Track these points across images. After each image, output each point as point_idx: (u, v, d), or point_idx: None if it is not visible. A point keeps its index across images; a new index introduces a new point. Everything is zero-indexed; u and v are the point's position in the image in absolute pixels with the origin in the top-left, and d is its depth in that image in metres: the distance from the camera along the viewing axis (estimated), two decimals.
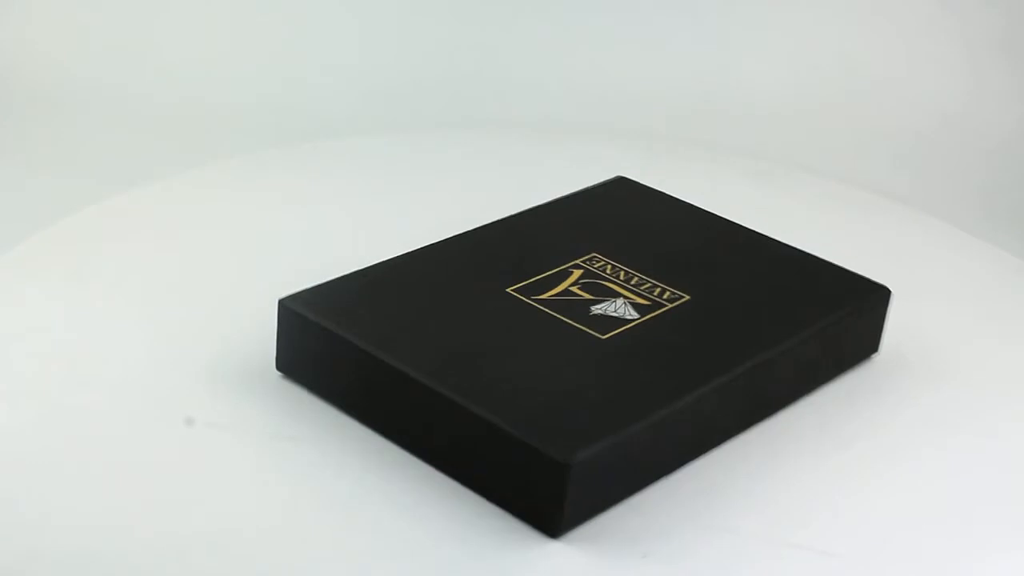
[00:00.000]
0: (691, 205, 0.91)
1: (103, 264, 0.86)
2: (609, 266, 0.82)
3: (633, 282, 0.81)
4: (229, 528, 0.66)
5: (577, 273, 0.81)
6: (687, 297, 0.80)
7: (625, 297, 0.79)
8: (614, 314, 0.78)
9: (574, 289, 0.80)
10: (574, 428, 0.68)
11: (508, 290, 0.78)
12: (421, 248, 0.82)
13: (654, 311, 0.78)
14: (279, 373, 0.76)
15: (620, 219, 0.88)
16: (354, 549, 0.65)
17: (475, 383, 0.70)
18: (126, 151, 1.10)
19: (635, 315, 0.78)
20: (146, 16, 1.24)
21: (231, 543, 0.65)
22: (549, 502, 0.67)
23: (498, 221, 0.87)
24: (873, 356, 0.84)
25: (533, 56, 1.32)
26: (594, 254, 0.83)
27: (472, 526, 0.67)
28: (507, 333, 0.75)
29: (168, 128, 1.15)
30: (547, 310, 0.77)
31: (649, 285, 0.80)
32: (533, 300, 0.78)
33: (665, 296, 0.79)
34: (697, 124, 1.28)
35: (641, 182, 0.93)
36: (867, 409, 0.80)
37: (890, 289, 0.84)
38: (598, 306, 0.78)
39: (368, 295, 0.77)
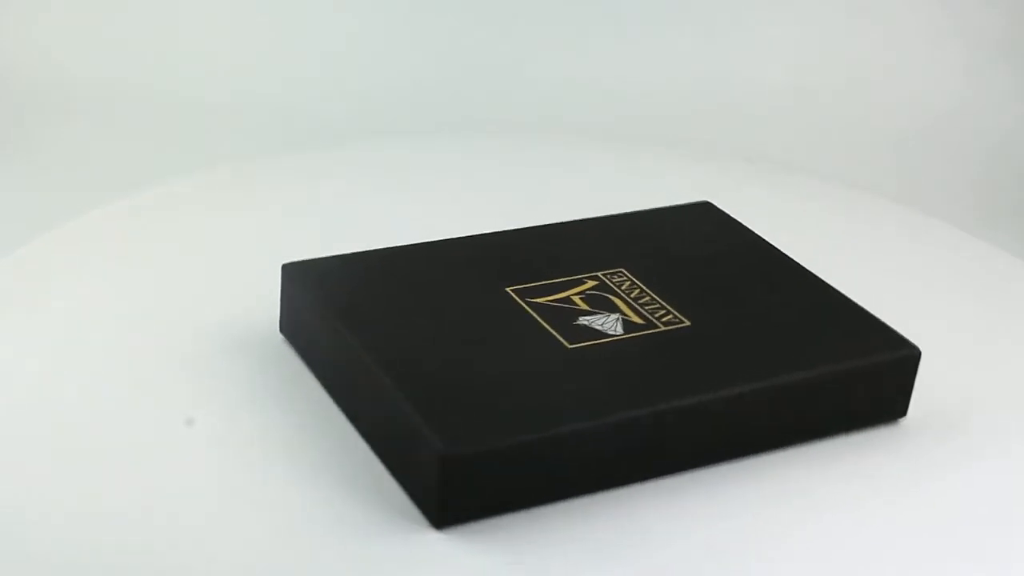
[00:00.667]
0: (758, 238, 0.87)
1: (106, 266, 0.88)
2: (628, 283, 0.80)
3: (641, 301, 0.78)
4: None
5: (590, 284, 0.80)
6: (687, 323, 0.77)
7: (622, 314, 0.77)
8: (598, 327, 0.76)
9: (575, 298, 0.78)
10: (477, 424, 0.67)
11: (507, 289, 0.78)
12: (452, 239, 0.83)
13: (642, 331, 0.76)
14: (282, 336, 0.80)
15: (674, 240, 0.86)
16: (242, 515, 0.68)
17: (411, 367, 0.71)
18: (128, 152, 1.10)
19: (619, 332, 0.75)
20: (148, 15, 1.26)
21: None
22: (433, 491, 0.66)
23: (550, 224, 0.86)
24: (900, 420, 0.78)
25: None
26: (621, 269, 0.81)
27: (370, 508, 0.68)
28: (476, 327, 0.75)
29: (168, 128, 1.16)
30: (532, 312, 0.76)
31: (656, 307, 0.78)
32: (526, 301, 0.77)
33: (665, 319, 0.77)
34: (693, 124, 1.26)
35: (727, 210, 0.90)
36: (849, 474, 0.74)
37: (919, 350, 0.77)
38: (588, 317, 0.77)
39: (369, 273, 0.79)
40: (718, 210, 0.89)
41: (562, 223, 0.86)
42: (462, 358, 0.72)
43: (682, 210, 0.89)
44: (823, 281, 0.82)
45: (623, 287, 0.80)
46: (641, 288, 0.79)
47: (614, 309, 0.77)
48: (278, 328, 0.80)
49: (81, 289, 0.85)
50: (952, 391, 0.80)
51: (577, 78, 1.29)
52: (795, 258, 0.85)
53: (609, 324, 0.76)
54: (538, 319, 0.76)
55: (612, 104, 1.25)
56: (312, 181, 1.02)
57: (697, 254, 0.84)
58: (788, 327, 0.77)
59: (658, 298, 0.78)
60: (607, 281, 0.80)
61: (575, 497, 0.70)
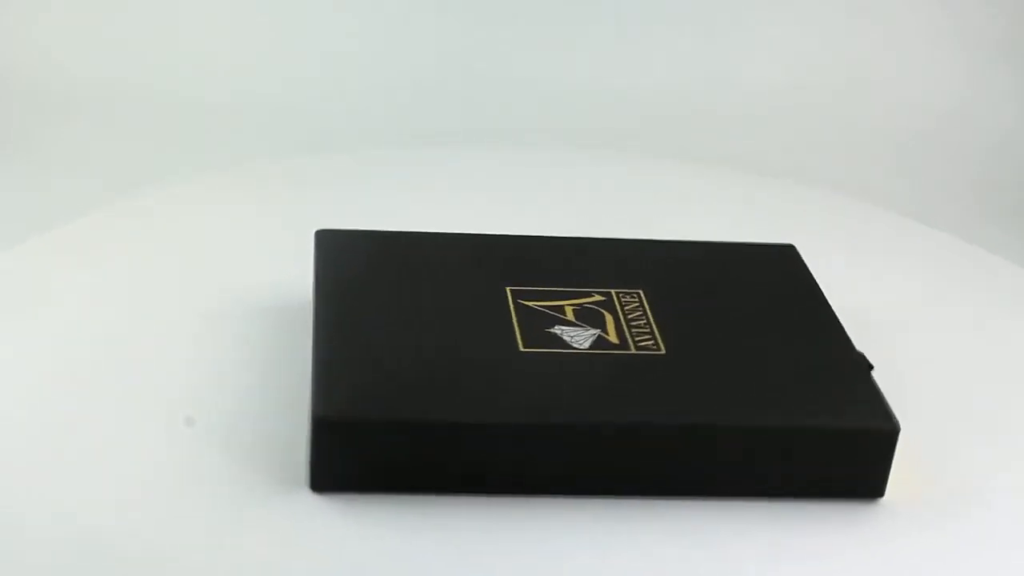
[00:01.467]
0: (817, 289, 0.80)
1: (105, 268, 0.88)
2: (636, 305, 0.77)
3: (636, 324, 0.75)
4: None
5: (595, 298, 0.77)
6: (662, 351, 0.73)
7: (603, 332, 0.74)
8: (566, 339, 0.73)
9: (568, 308, 0.76)
10: (365, 396, 0.68)
11: (507, 288, 0.77)
12: (489, 234, 0.83)
13: (610, 350, 0.73)
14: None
15: (726, 275, 0.81)
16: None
17: (353, 338, 0.72)
18: (128, 152, 1.09)
19: (584, 347, 0.73)
20: (148, 15, 1.23)
21: None
22: (311, 455, 0.67)
23: (604, 239, 0.84)
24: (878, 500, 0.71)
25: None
26: (638, 291, 0.78)
27: (256, 469, 0.69)
28: (450, 316, 0.74)
29: (169, 129, 1.14)
30: (513, 312, 0.75)
31: (646, 332, 0.74)
32: (516, 301, 0.76)
33: (643, 344, 0.73)
34: (691, 129, 1.22)
35: (809, 260, 0.84)
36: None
37: (899, 428, 0.69)
38: (564, 327, 0.74)
39: (389, 251, 0.80)
40: (796, 256, 0.84)
41: (614, 239, 0.84)
42: (408, 339, 0.72)
43: (760, 250, 0.85)
44: (849, 341, 0.76)
45: (627, 307, 0.77)
46: (646, 313, 0.76)
47: (598, 325, 0.75)
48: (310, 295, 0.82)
49: (78, 289, 0.85)
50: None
51: (595, 83, 1.28)
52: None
53: (580, 338, 0.74)
54: (512, 319, 0.75)
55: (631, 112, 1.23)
56: (310, 185, 1.02)
57: (738, 292, 0.80)
58: (770, 375, 0.72)
59: (655, 325, 0.75)
60: (615, 299, 0.77)
61: (476, 495, 0.68)
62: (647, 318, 0.76)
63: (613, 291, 0.78)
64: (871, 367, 0.74)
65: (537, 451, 0.68)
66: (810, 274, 0.82)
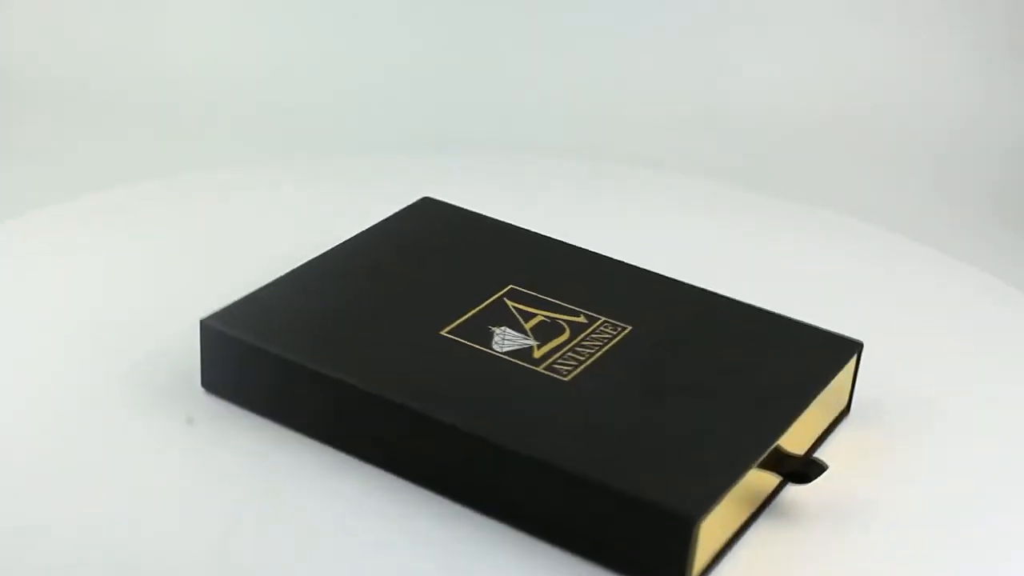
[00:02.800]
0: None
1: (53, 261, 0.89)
2: (608, 336, 0.74)
3: (578, 350, 0.73)
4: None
5: (580, 319, 0.75)
6: (565, 379, 0.70)
7: (539, 346, 0.73)
8: (494, 339, 0.73)
9: (539, 317, 0.75)
10: (261, 326, 0.73)
11: (510, 284, 0.78)
12: (536, 233, 0.85)
13: (519, 360, 0.71)
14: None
15: (748, 344, 0.75)
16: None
17: (304, 282, 0.78)
18: (106, 151, 1.09)
19: (501, 350, 0.72)
20: (128, 16, 1.22)
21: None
22: (201, 355, 0.75)
23: (649, 271, 0.81)
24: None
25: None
26: (628, 327, 0.75)
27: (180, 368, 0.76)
28: (421, 291, 0.77)
29: (140, 132, 1.13)
30: (484, 304, 0.76)
31: (576, 361, 0.72)
32: (503, 299, 0.77)
33: (561, 367, 0.71)
34: (694, 133, 1.19)
35: None
36: None
37: (695, 518, 0.61)
38: (506, 330, 0.74)
39: (448, 226, 0.84)
40: (854, 353, 0.74)
41: (670, 279, 0.80)
42: (348, 295, 0.77)
43: (819, 337, 0.76)
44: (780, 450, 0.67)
45: (596, 335, 0.74)
46: (608, 345, 0.73)
47: (542, 338, 0.73)
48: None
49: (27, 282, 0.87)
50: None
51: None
52: None
53: (508, 343, 0.73)
54: (474, 309, 0.75)
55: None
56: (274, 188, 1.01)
57: (737, 360, 0.73)
58: (642, 438, 0.66)
59: (600, 358, 0.72)
60: (594, 325, 0.75)
61: (319, 441, 0.72)
62: (601, 350, 0.73)
63: (603, 318, 0.76)
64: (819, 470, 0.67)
65: (368, 417, 0.69)
66: (847, 373, 0.73)
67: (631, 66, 1.25)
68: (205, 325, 0.73)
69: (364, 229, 0.84)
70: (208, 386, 0.74)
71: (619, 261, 0.82)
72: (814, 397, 0.71)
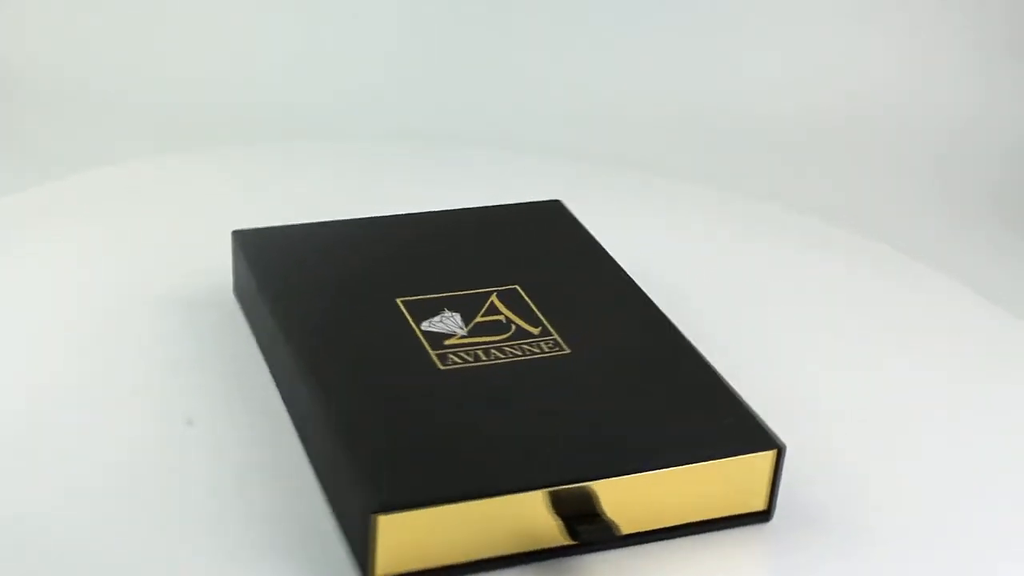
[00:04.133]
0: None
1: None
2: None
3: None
4: None
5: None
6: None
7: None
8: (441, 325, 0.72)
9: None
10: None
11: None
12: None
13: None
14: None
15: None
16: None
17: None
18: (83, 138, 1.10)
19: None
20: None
21: None
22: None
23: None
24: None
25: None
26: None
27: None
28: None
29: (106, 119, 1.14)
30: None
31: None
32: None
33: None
34: (695, 134, 1.21)
35: None
36: None
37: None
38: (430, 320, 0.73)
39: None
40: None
41: None
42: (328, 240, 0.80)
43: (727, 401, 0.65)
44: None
45: (531, 347, 0.71)
46: (528, 357, 0.70)
47: (474, 333, 0.71)
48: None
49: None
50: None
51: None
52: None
53: (439, 325, 0.72)
54: (449, 290, 0.75)
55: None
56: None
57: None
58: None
59: (507, 363, 0.69)
60: (539, 338, 0.72)
61: None
62: (514, 358, 0.70)
63: (556, 336, 0.72)
64: None
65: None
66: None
67: (630, 67, 1.26)
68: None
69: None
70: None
71: (628, 281, 0.78)
72: (662, 466, 0.63)
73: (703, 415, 0.67)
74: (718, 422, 0.66)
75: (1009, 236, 1.11)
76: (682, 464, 0.63)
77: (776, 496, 0.66)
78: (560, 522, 0.62)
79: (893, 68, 1.26)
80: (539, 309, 0.74)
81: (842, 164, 1.18)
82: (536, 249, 0.81)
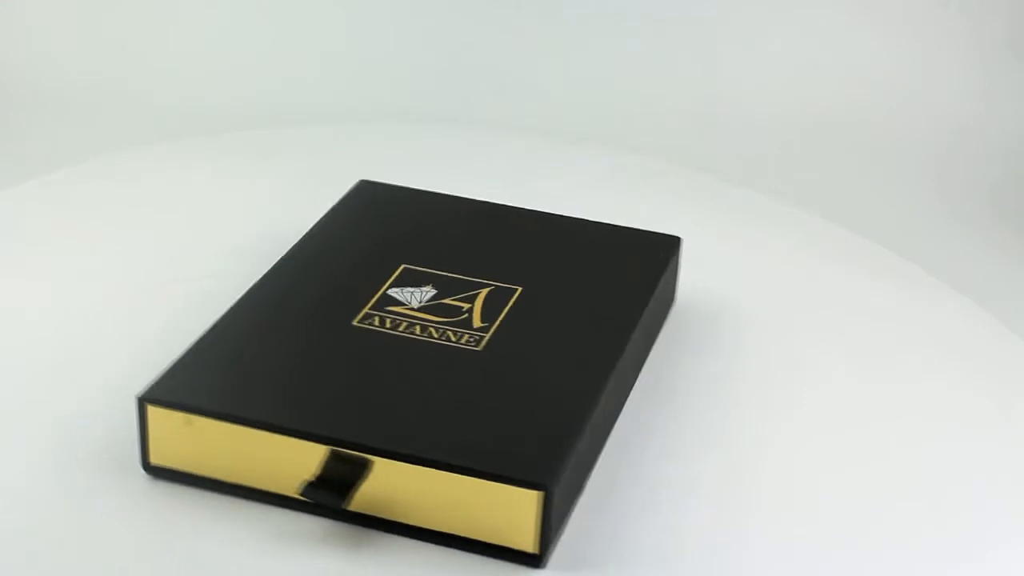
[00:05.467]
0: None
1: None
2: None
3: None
4: None
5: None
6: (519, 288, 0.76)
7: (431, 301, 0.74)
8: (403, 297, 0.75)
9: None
10: None
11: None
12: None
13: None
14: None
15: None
16: None
17: None
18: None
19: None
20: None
21: None
22: None
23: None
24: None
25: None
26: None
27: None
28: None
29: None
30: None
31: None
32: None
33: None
34: (696, 136, 1.25)
35: None
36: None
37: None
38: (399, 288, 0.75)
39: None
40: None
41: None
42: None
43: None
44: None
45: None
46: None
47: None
48: None
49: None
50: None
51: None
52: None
53: (408, 296, 0.74)
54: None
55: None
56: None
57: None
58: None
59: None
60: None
61: None
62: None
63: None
64: None
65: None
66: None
67: (631, 66, 1.28)
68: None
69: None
70: None
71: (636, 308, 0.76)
72: (423, 461, 0.63)
73: (514, 437, 0.65)
74: (519, 446, 0.64)
75: (1009, 236, 1.10)
76: (440, 466, 0.62)
77: (550, 542, 0.63)
78: (313, 478, 0.64)
79: (893, 68, 1.25)
80: (513, 311, 0.74)
81: (842, 164, 1.18)
82: (592, 263, 0.80)
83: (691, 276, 0.85)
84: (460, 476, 0.62)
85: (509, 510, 0.62)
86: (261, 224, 0.89)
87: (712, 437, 0.72)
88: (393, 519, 0.64)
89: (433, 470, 0.62)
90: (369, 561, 0.63)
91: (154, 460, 0.66)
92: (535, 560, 0.63)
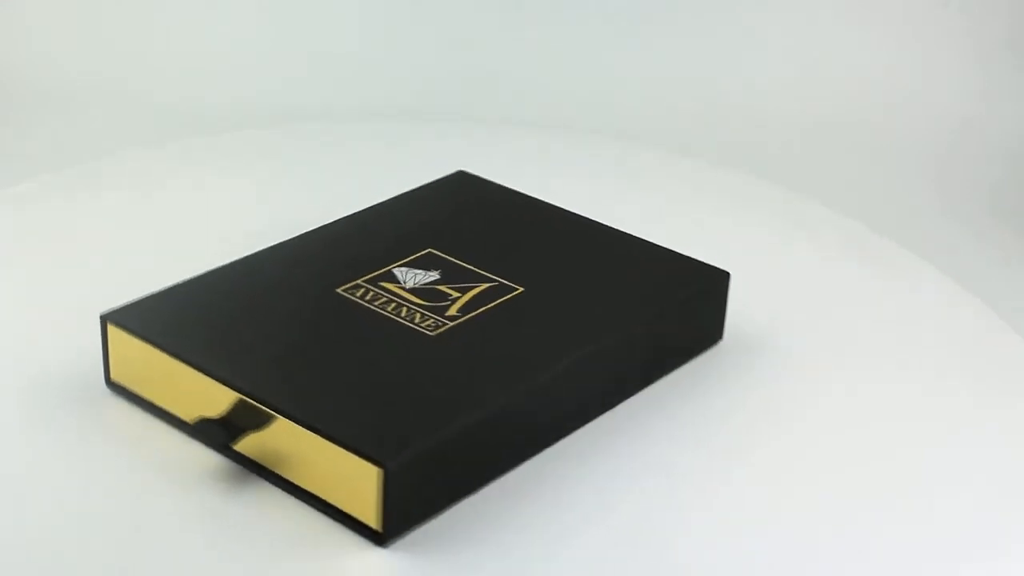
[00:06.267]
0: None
1: None
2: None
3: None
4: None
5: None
6: (520, 289, 0.77)
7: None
8: (399, 277, 0.78)
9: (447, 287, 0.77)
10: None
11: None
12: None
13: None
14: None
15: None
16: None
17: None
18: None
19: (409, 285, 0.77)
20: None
21: None
22: None
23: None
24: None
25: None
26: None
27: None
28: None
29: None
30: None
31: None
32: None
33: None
34: (696, 134, 1.26)
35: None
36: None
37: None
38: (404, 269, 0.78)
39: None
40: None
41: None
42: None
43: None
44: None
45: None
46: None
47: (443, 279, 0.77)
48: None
49: None
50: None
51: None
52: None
53: (410, 277, 0.77)
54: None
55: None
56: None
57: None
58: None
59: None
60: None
61: None
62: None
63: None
64: None
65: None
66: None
67: (631, 65, 1.29)
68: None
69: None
70: None
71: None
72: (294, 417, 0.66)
73: (390, 414, 0.67)
74: (383, 423, 0.66)
75: (1009, 235, 1.13)
76: (310, 428, 0.65)
77: (396, 522, 0.64)
78: (216, 417, 0.69)
79: (893, 68, 1.21)
80: (498, 308, 0.75)
81: (842, 164, 1.16)
82: (619, 281, 0.80)
83: None
84: (326, 441, 0.65)
85: (358, 481, 0.64)
86: (261, 224, 0.89)
87: (702, 439, 0.73)
88: (276, 471, 0.68)
89: (306, 431, 0.66)
90: (241, 502, 0.67)
91: (114, 377, 0.74)
92: (379, 538, 0.65)
